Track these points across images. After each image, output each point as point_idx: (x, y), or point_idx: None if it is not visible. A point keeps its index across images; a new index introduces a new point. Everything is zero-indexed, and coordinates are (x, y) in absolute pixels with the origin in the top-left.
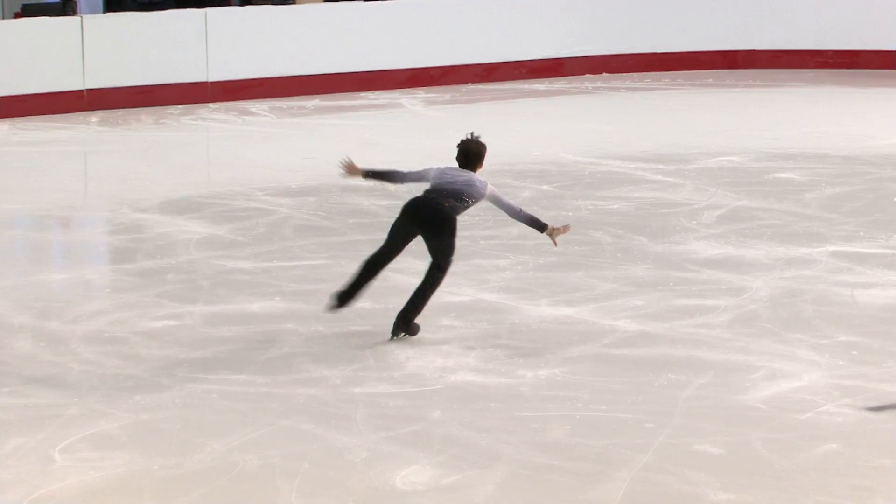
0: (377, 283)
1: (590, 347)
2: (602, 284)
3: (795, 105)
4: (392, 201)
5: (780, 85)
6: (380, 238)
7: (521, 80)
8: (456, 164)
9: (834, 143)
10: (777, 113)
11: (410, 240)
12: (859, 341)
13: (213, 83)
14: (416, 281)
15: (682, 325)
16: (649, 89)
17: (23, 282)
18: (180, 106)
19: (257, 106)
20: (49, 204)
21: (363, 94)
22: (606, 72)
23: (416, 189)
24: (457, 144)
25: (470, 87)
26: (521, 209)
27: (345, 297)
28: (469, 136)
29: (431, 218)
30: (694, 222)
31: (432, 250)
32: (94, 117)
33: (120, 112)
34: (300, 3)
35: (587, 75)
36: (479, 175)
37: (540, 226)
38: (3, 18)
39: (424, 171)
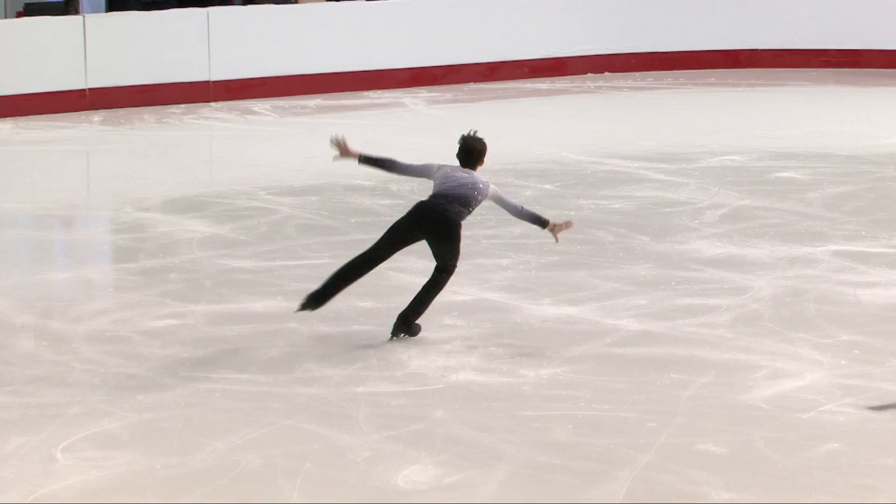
0: (379, 282)
1: (592, 347)
2: (604, 284)
3: (798, 104)
4: (395, 200)
5: (783, 84)
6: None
7: (524, 80)
8: (457, 162)
9: (836, 142)
10: (779, 112)
11: (409, 244)
12: (862, 340)
13: (215, 82)
14: (418, 280)
15: (685, 324)
16: (651, 88)
17: (25, 281)
18: (182, 105)
19: (259, 105)
20: (51, 203)
21: (365, 93)
22: (608, 71)
23: (418, 188)
24: (457, 141)
25: (472, 86)
26: (522, 207)
27: (320, 298)
28: (469, 134)
29: (439, 224)
30: (696, 221)
31: (438, 255)
32: (97, 116)
33: (122, 111)
34: (302, 2)
35: (589, 74)
36: (480, 174)
37: (542, 222)
38: (6, 18)
39: (425, 166)
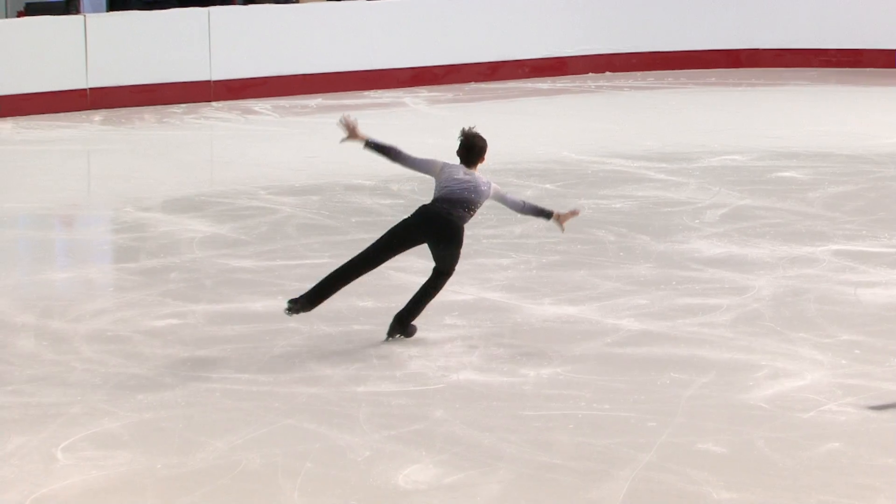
0: (379, 282)
1: (592, 346)
2: (605, 283)
3: (798, 104)
4: (395, 200)
5: (784, 84)
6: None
7: (524, 79)
8: (457, 159)
9: (837, 141)
10: (780, 112)
11: (410, 248)
12: (862, 340)
13: (216, 82)
14: (418, 280)
15: (685, 324)
16: (652, 88)
17: (25, 280)
18: (183, 105)
19: (260, 105)
20: (52, 203)
21: (366, 92)
22: (609, 70)
23: (419, 188)
24: (458, 137)
25: (473, 85)
26: (524, 202)
27: (315, 299)
28: (469, 130)
29: (443, 229)
30: (697, 221)
31: (439, 258)
32: (98, 116)
33: (123, 111)
34: (303, 2)
35: (590, 74)
36: (480, 172)
37: (546, 214)
38: (7, 17)
39: (429, 162)
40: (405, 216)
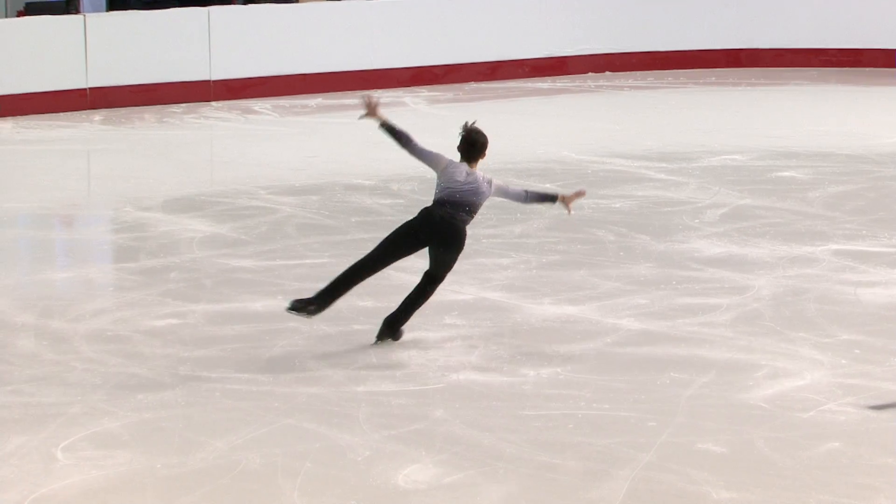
0: (379, 282)
1: (592, 346)
2: (605, 283)
3: (798, 103)
4: (395, 200)
5: (784, 83)
6: (382, 237)
7: (524, 79)
8: (458, 155)
9: (837, 141)
10: (780, 111)
11: (415, 251)
12: (862, 340)
13: (216, 82)
14: (418, 280)
15: (685, 323)
16: (652, 88)
17: (25, 280)
18: (183, 104)
19: (260, 104)
20: (52, 202)
21: (366, 92)
22: (609, 70)
23: (419, 188)
24: (459, 133)
25: (473, 85)
26: (526, 192)
27: (323, 304)
28: (471, 125)
29: (447, 233)
30: (697, 221)
31: (436, 262)
32: (97, 116)
33: (123, 111)
34: (303, 1)
35: (590, 74)
36: (480, 170)
37: (551, 198)
38: (7, 17)
39: (436, 157)
40: (407, 218)
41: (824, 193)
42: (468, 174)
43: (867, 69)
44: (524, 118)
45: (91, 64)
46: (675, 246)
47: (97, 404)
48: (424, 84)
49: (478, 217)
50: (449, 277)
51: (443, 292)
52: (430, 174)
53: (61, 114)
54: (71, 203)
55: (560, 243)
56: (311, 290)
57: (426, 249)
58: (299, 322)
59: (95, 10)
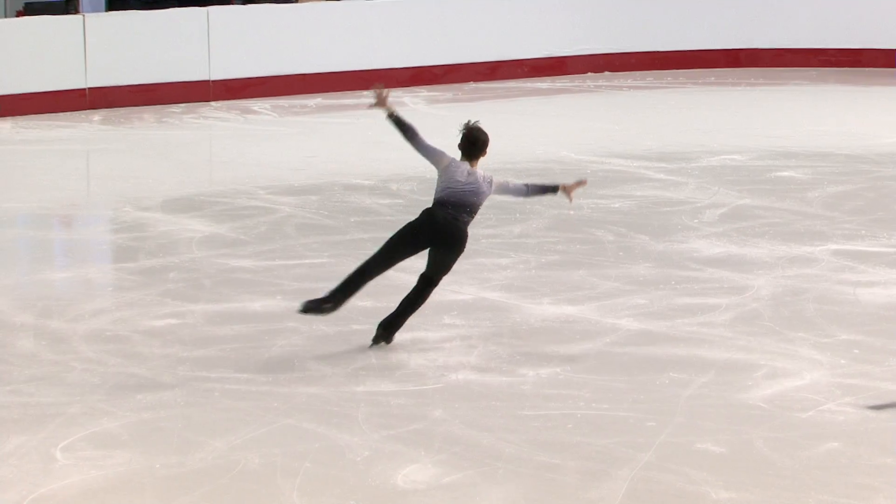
0: (379, 282)
1: (591, 346)
2: (604, 283)
3: (798, 103)
4: (394, 200)
5: (783, 83)
6: (381, 237)
7: (524, 79)
8: (459, 153)
9: (836, 141)
10: (779, 111)
11: (416, 252)
12: (861, 340)
13: (215, 82)
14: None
15: (684, 323)
16: (652, 88)
17: (25, 280)
18: (182, 104)
19: (259, 104)
20: (51, 202)
21: (365, 92)
22: (609, 70)
23: (418, 188)
24: (460, 130)
25: (472, 85)
26: (527, 186)
27: (335, 304)
28: (472, 123)
29: (449, 234)
30: (696, 221)
31: (436, 263)
32: (97, 116)
33: (122, 110)
34: (302, 1)
35: (589, 74)
36: (480, 169)
37: (552, 189)
38: (6, 17)
39: (440, 154)
40: (407, 217)
41: (823, 193)
42: (469, 174)
43: (866, 69)
44: (523, 118)
45: (90, 64)
46: (674, 246)
47: (96, 404)
48: (424, 84)
49: (477, 217)
50: (448, 277)
51: (442, 292)
52: (430, 174)
53: (60, 114)
54: (70, 203)
55: (559, 243)
56: (310, 289)
57: (425, 250)
58: (298, 322)
59: (94, 10)
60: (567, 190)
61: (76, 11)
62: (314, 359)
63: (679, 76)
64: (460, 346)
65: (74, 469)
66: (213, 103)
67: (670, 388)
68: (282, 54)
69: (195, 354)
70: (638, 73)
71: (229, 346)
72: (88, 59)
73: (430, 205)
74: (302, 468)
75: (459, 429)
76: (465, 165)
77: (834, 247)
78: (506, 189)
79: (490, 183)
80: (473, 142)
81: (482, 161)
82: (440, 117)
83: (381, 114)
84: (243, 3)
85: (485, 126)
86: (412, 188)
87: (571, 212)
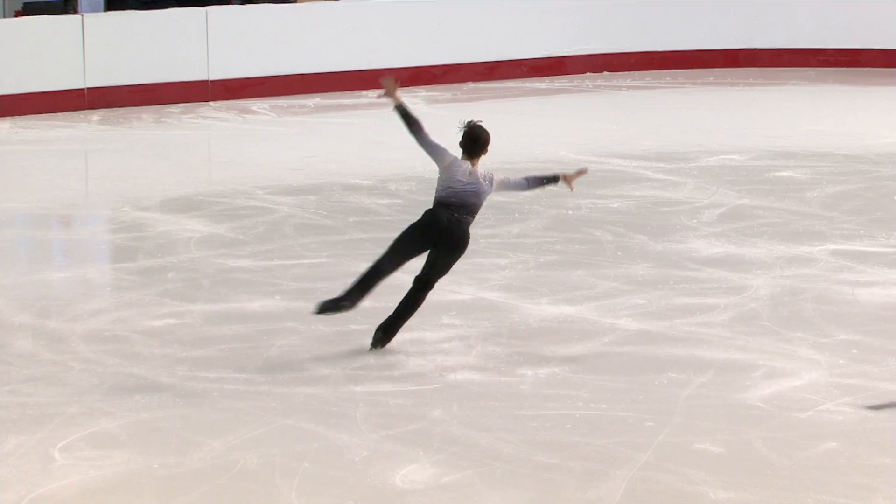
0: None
1: (590, 346)
2: (602, 283)
3: (797, 103)
4: (393, 200)
5: (782, 83)
6: (380, 237)
7: (523, 79)
8: (460, 151)
9: (835, 141)
10: (778, 111)
11: (421, 253)
12: (860, 340)
13: (213, 82)
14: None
15: (683, 323)
16: (650, 88)
17: (23, 280)
18: (181, 104)
19: (258, 104)
20: (50, 202)
21: (364, 92)
22: (608, 70)
23: (416, 188)
24: (461, 128)
25: (471, 85)
26: (527, 180)
27: (354, 299)
28: (473, 122)
29: (452, 236)
30: (695, 221)
31: (435, 264)
32: (95, 116)
33: (121, 110)
34: (301, 1)
35: (588, 74)
36: (481, 167)
37: (553, 179)
38: (4, 17)
39: (443, 151)
40: (405, 217)
41: (822, 193)
42: (470, 174)
43: (865, 69)
44: (522, 118)
45: (89, 64)
46: (672, 246)
47: (95, 404)
48: (423, 84)
49: (476, 217)
50: (447, 277)
51: (440, 292)
52: (428, 174)
53: (59, 114)
54: (69, 203)
55: (558, 243)
56: (308, 289)
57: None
58: (297, 322)
59: (93, 10)
60: (568, 179)
61: (75, 11)
62: (313, 359)
63: (678, 76)
64: (459, 347)
65: (73, 469)
66: (211, 103)
67: (669, 388)
68: (280, 54)
69: (194, 354)
70: (637, 73)
71: (228, 347)
72: (87, 60)
73: (430, 205)
74: (300, 468)
75: (458, 429)
76: (467, 165)
77: (832, 247)
78: (507, 185)
79: (491, 182)
80: (475, 140)
81: (483, 159)
82: (439, 117)
83: (381, 113)
84: (242, 4)
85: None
86: (411, 188)
87: (570, 211)
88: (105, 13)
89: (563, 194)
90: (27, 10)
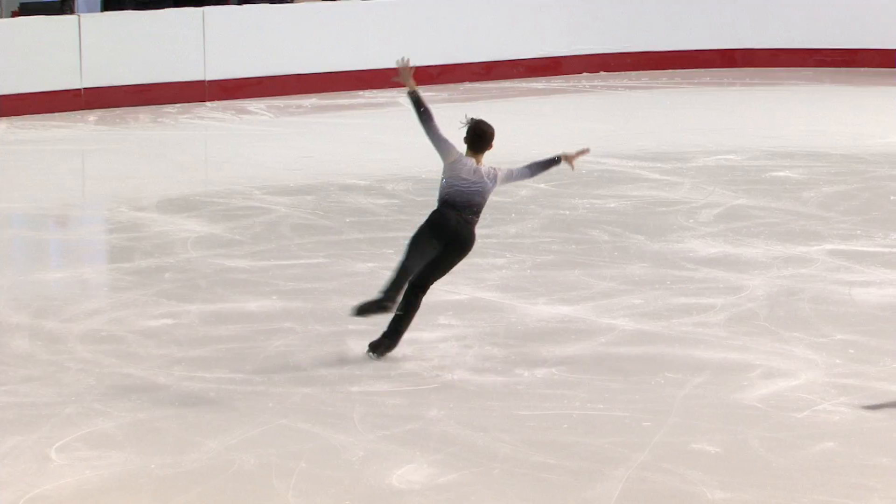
0: (375, 282)
1: (587, 346)
2: (599, 283)
3: (793, 103)
4: (390, 200)
5: (779, 83)
6: (377, 237)
7: (519, 79)
8: (464, 146)
9: (832, 141)
10: (775, 111)
11: (435, 252)
12: (856, 340)
13: (210, 82)
14: None
15: (680, 323)
16: (647, 88)
17: (20, 280)
18: (178, 105)
19: (255, 105)
20: (47, 203)
21: (360, 92)
22: (604, 70)
23: (413, 188)
24: (465, 124)
25: (467, 85)
26: (530, 167)
27: (392, 297)
28: (476, 118)
29: (460, 237)
30: (691, 221)
31: (440, 264)
32: (92, 116)
33: (118, 111)
34: (297, 1)
35: (585, 74)
36: (485, 163)
37: (555, 161)
38: (1, 17)
39: (449, 146)
40: (402, 217)
41: (819, 193)
42: (474, 172)
43: (861, 69)
44: (519, 118)
45: (86, 64)
46: (669, 246)
47: (91, 404)
48: (419, 84)
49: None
50: (445, 277)
51: (437, 292)
52: (425, 174)
53: (56, 114)
54: (65, 203)
55: (555, 243)
56: (305, 289)
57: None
58: (294, 322)
59: (90, 10)
60: (569, 159)
61: (71, 12)
62: (309, 359)
63: (674, 76)
64: (456, 347)
65: (70, 469)
66: (208, 103)
67: (666, 388)
68: (277, 54)
69: (190, 355)
70: (633, 73)
71: (224, 347)
72: (84, 60)
73: (427, 204)
74: (297, 468)
75: (455, 429)
76: (472, 162)
77: (829, 247)
78: (511, 177)
79: (495, 179)
80: (480, 135)
81: (487, 154)
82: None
83: (378, 113)
84: (238, 4)
85: None
86: (407, 188)
87: (567, 212)
88: (102, 13)
89: (560, 194)
90: (24, 11)
